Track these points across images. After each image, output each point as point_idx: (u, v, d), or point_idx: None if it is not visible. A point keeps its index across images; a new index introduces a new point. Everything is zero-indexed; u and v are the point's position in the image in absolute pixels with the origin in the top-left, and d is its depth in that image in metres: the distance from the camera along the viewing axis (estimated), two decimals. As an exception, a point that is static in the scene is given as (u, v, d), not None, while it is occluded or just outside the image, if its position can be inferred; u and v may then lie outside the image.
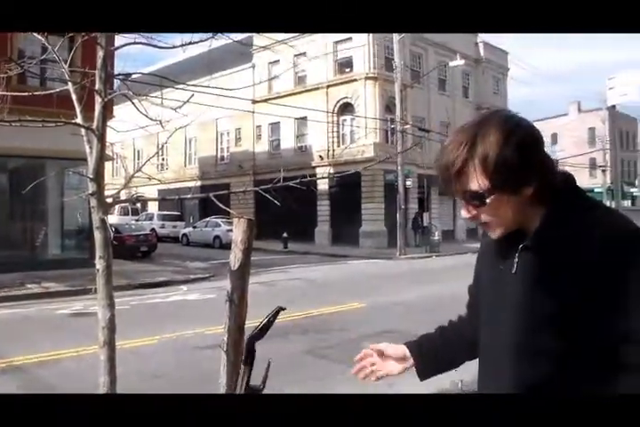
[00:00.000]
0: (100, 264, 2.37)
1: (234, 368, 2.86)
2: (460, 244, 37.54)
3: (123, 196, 48.20)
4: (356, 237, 35.22)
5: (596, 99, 63.47)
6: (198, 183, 40.89)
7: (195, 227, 36.57)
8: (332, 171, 34.17)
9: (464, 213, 1.69)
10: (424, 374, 2.11)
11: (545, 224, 1.67)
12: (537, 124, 1.70)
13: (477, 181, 1.60)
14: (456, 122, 38.15)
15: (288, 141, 39.99)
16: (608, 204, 52.92)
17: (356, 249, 32.56)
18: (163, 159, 46.78)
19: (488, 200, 1.62)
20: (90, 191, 2.35)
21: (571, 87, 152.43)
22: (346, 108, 36.86)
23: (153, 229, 32.19)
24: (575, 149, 55.88)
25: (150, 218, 39.22)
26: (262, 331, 2.01)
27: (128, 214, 39.99)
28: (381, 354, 2.11)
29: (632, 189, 61.44)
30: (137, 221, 36.75)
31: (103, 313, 2.39)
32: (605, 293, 1.59)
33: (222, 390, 2.93)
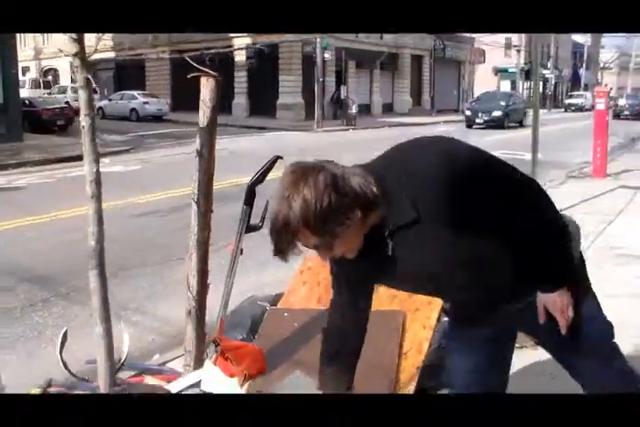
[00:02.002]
0: (85, 122, 2.56)
1: (204, 219, 3.13)
2: (376, 118, 38.04)
3: (33, 69, 45.55)
4: (274, 109, 35.16)
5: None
6: (112, 55, 39.26)
7: (110, 99, 35.56)
8: (249, 41, 33.42)
9: (324, 260, 1.96)
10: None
11: (393, 209, 1.87)
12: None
13: (315, 239, 1.80)
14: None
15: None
16: (521, 83, 53.77)
17: (273, 121, 32.58)
18: (73, 28, 44.45)
19: (333, 245, 1.84)
20: (73, 52, 2.50)
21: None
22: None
23: (67, 103, 31.11)
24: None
25: (64, 91, 37.59)
26: (261, 176, 2.28)
27: (40, 88, 38.33)
28: None
29: (544, 71, 62.37)
30: (49, 94, 35.35)
31: (90, 168, 2.61)
32: (466, 205, 1.86)
33: (193, 238, 3.18)
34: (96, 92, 39.13)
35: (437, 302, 3.88)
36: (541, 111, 13.70)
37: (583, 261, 2.18)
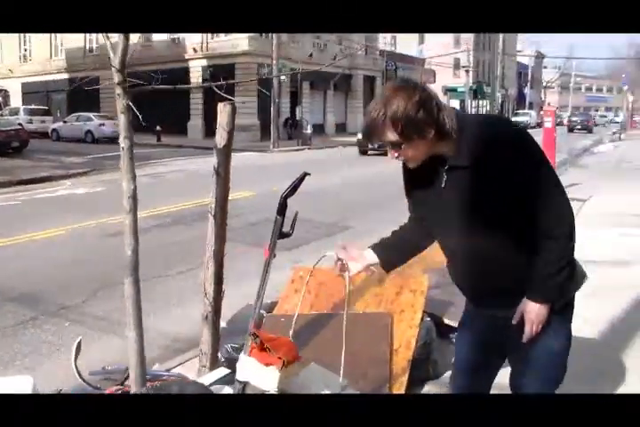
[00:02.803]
0: (124, 143, 2.85)
1: (220, 231, 3.46)
2: (330, 137, 38.60)
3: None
4: (230, 131, 35.39)
5: None
6: (65, 76, 39.10)
7: (65, 122, 35.38)
8: (205, 64, 33.73)
9: (390, 155, 2.33)
10: (387, 264, 2.70)
11: (456, 149, 2.29)
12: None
13: (391, 136, 2.22)
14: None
15: (160, 33, 38.81)
16: (470, 102, 55.07)
17: (230, 143, 32.77)
18: (25, 50, 44.03)
19: (402, 147, 2.25)
20: (116, 81, 2.81)
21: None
22: (217, -1, 36.00)
23: (20, 124, 30.84)
24: (441, 50, 57.01)
25: (16, 113, 37.16)
26: (292, 190, 2.67)
27: (-11, 110, 37.86)
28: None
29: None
30: (1, 116, 34.96)
31: (128, 185, 2.89)
32: (507, 178, 2.24)
33: (210, 248, 3.50)
34: (50, 114, 39.06)
35: (419, 304, 4.30)
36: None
37: (574, 300, 2.52)
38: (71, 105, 41.36)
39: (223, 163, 3.35)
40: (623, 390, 3.96)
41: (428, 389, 4.00)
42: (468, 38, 56.02)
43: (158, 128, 32.39)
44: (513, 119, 59.03)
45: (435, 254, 6.49)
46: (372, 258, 2.66)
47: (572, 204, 2.56)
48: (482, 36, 60.07)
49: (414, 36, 57.71)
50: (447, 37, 61.36)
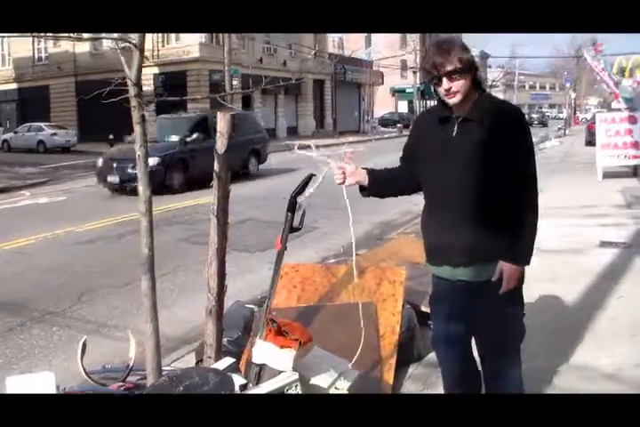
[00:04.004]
0: (140, 151, 3.14)
1: (222, 229, 3.72)
2: (281, 141, 38.81)
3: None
4: (183, 136, 35.38)
5: None
6: (14, 86, 38.54)
7: (16, 132, 34.94)
8: (157, 71, 33.67)
9: (445, 86, 2.80)
10: (368, 191, 3.12)
11: (474, 106, 2.85)
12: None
13: (456, 63, 2.75)
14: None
15: (110, 40, 38.37)
16: (417, 102, 55.80)
17: (183, 148, 32.75)
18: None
19: (459, 76, 2.76)
20: (132, 93, 3.08)
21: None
22: (167, 5, 35.97)
23: None
24: (388, 51, 57.61)
25: None
26: (301, 190, 2.99)
27: None
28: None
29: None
30: (-54, 127, 34.40)
31: (144, 190, 3.18)
32: (505, 144, 2.79)
33: (213, 247, 3.76)
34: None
35: (400, 293, 4.66)
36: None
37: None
38: (21, 115, 40.82)
39: (224, 168, 3.63)
40: (575, 361, 4.43)
41: (413, 369, 4.37)
42: (414, 39, 56.67)
43: (111, 137, 32.22)
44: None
45: (406, 250, 6.89)
46: (363, 178, 3.07)
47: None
48: (427, 37, 60.85)
49: (361, 39, 58.23)
50: (394, 39, 62.11)
